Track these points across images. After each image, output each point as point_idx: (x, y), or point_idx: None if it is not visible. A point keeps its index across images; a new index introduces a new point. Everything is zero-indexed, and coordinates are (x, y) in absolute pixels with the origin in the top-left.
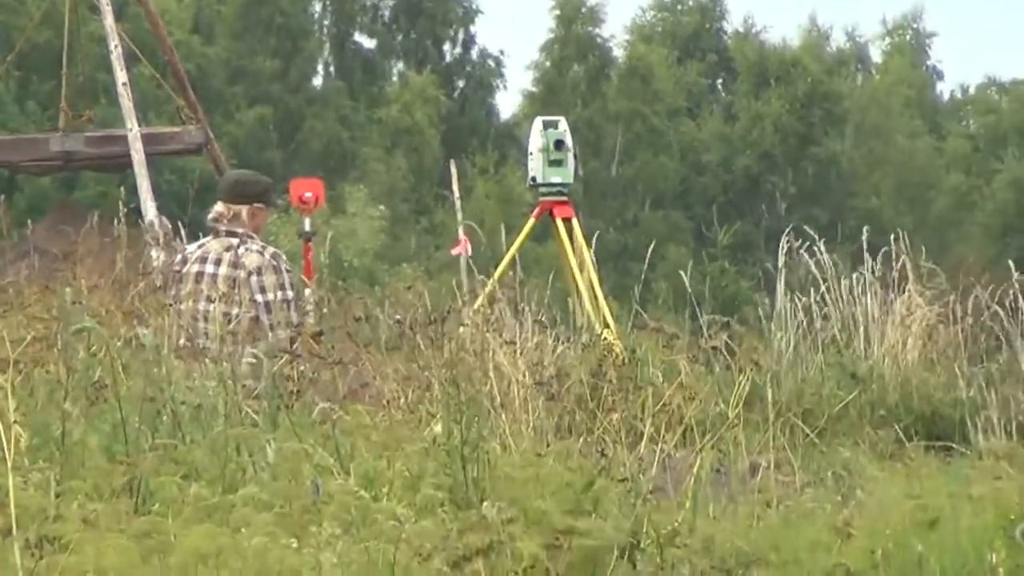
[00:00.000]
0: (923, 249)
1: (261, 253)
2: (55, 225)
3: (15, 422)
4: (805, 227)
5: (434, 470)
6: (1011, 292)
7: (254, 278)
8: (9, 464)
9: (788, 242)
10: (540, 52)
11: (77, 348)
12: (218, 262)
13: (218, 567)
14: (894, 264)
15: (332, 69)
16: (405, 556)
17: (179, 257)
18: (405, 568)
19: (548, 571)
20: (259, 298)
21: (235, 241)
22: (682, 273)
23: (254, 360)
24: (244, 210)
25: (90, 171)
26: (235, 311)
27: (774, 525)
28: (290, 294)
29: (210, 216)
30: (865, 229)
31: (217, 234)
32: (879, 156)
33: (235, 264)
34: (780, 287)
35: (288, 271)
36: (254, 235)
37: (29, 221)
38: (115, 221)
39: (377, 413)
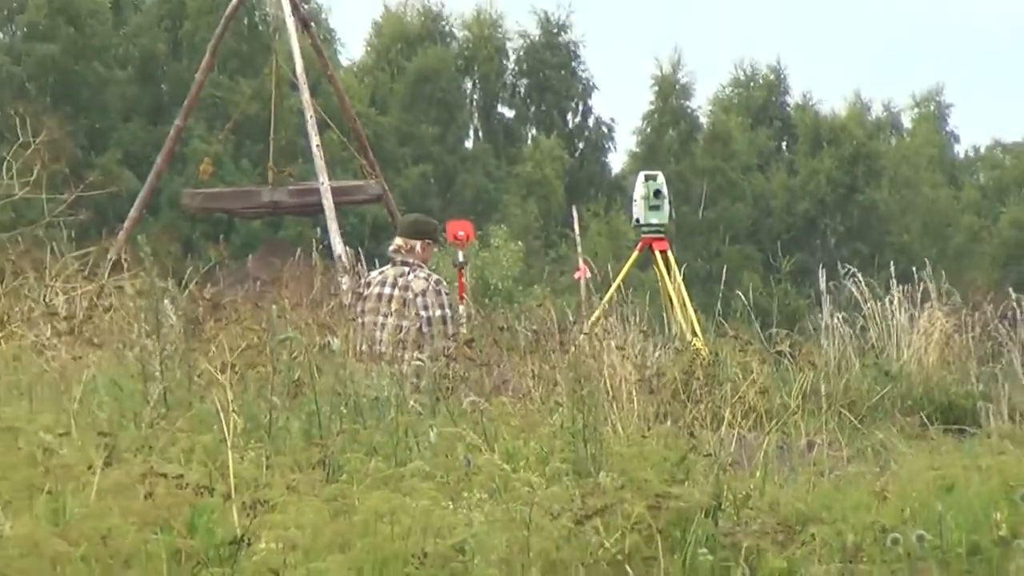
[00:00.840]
0: (943, 275)
1: (426, 279)
2: (264, 258)
3: (233, 411)
4: (850, 260)
5: (560, 448)
6: (1011, 309)
7: (420, 298)
8: (229, 444)
9: (826, 271)
10: (642, 120)
11: (281, 353)
12: (393, 285)
13: (392, 524)
14: (919, 287)
15: (480, 134)
16: (538, 515)
17: (364, 280)
18: (538, 525)
19: (650, 527)
20: (423, 314)
21: (407, 269)
22: (749, 294)
23: (418, 362)
24: (418, 244)
25: (292, 216)
26: (405, 323)
27: (826, 490)
28: (448, 312)
29: (390, 248)
30: (891, 263)
31: (394, 263)
32: (909, 202)
33: (406, 287)
34: (826, 306)
35: (446, 293)
36: (422, 264)
37: (249, 256)
38: (311, 254)
39: (516, 404)
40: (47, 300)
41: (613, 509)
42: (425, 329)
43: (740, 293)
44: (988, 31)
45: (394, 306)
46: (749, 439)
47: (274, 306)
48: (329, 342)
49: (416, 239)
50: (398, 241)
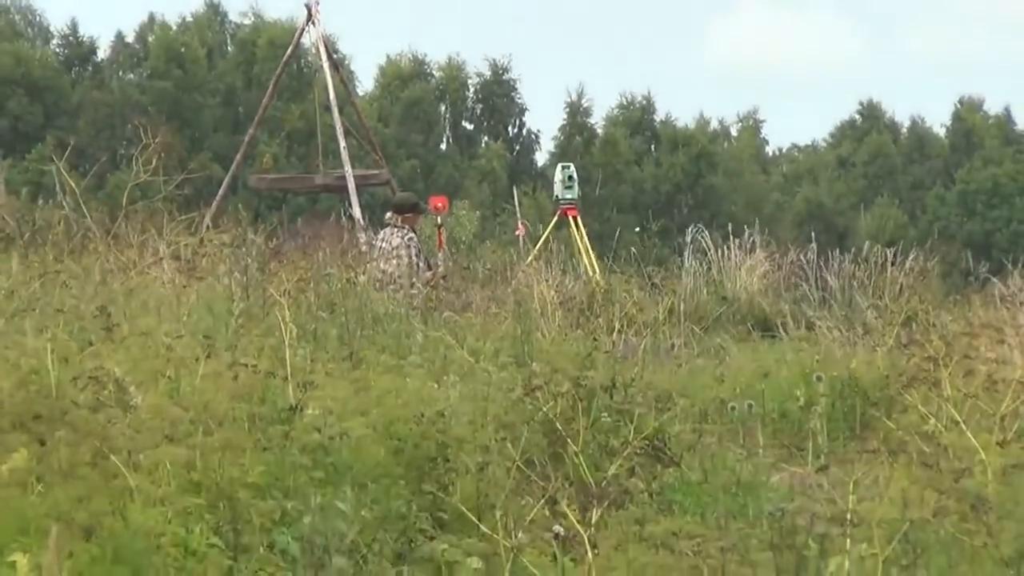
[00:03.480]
0: (760, 233)
1: (401, 238)
2: (309, 221)
3: (290, 322)
4: (696, 223)
5: (507, 346)
6: (805, 256)
7: (401, 250)
8: (287, 344)
9: (682, 232)
10: (558, 130)
11: (322, 284)
12: (388, 241)
13: (396, 397)
14: (747, 241)
15: (450, 140)
16: (494, 391)
17: (375, 238)
18: (493, 398)
19: (574, 397)
20: (402, 259)
21: (396, 230)
22: (630, 248)
23: (413, 291)
24: (399, 218)
25: (329, 193)
26: (390, 267)
27: (683, 376)
28: (414, 259)
29: (386, 217)
30: (727, 224)
31: (389, 227)
32: (736, 185)
33: (394, 243)
34: (688, 252)
35: (416, 246)
36: (405, 227)
37: (298, 220)
38: (340, 220)
39: (477, 317)
40: (165, 249)
41: (547, 386)
42: (404, 270)
43: (624, 246)
44: (787, 73)
45: (387, 254)
46: (632, 341)
47: (319, 253)
48: (353, 277)
49: (399, 214)
50: (389, 214)
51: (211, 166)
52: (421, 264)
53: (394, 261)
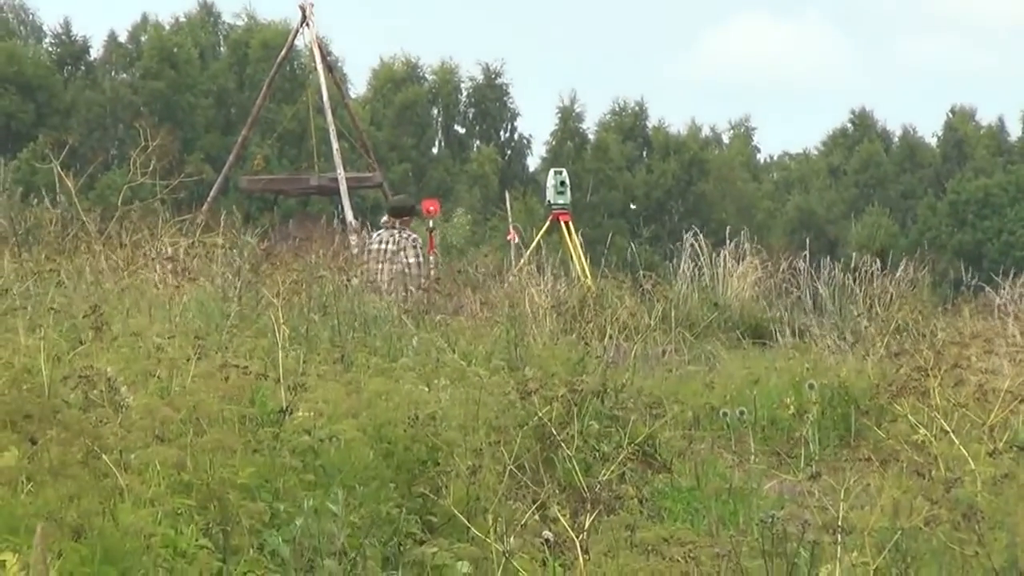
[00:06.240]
0: (750, 241)
1: (406, 239)
2: (301, 223)
3: (283, 324)
4: (688, 231)
5: (499, 350)
6: (798, 264)
7: (402, 252)
8: (279, 346)
9: (673, 238)
10: (550, 135)
11: (315, 287)
12: (386, 243)
13: (387, 400)
14: (739, 247)
15: (442, 144)
16: (485, 396)
17: (368, 240)
18: (485, 402)
19: (568, 401)
20: (405, 261)
21: (395, 232)
22: (622, 252)
23: (404, 294)
24: (397, 221)
25: (322, 195)
26: (394, 268)
27: (674, 382)
28: (420, 259)
29: (382, 220)
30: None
31: (386, 228)
32: (726, 192)
33: (395, 244)
34: (684, 257)
35: (420, 247)
36: (405, 229)
37: (290, 222)
38: (332, 222)
39: (468, 321)
40: (159, 249)
41: (541, 391)
42: (406, 271)
43: (615, 251)
44: (778, 81)
45: (387, 257)
46: (623, 347)
47: (313, 256)
48: (347, 280)
49: (396, 217)
50: (385, 217)
51: (203, 167)
52: (429, 265)
53: (400, 264)
